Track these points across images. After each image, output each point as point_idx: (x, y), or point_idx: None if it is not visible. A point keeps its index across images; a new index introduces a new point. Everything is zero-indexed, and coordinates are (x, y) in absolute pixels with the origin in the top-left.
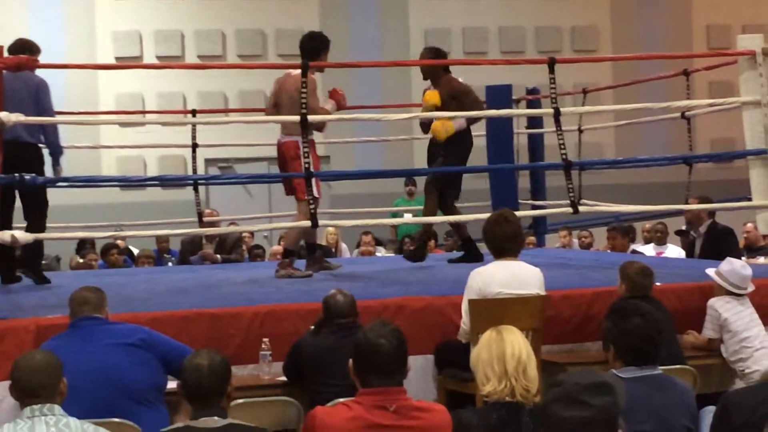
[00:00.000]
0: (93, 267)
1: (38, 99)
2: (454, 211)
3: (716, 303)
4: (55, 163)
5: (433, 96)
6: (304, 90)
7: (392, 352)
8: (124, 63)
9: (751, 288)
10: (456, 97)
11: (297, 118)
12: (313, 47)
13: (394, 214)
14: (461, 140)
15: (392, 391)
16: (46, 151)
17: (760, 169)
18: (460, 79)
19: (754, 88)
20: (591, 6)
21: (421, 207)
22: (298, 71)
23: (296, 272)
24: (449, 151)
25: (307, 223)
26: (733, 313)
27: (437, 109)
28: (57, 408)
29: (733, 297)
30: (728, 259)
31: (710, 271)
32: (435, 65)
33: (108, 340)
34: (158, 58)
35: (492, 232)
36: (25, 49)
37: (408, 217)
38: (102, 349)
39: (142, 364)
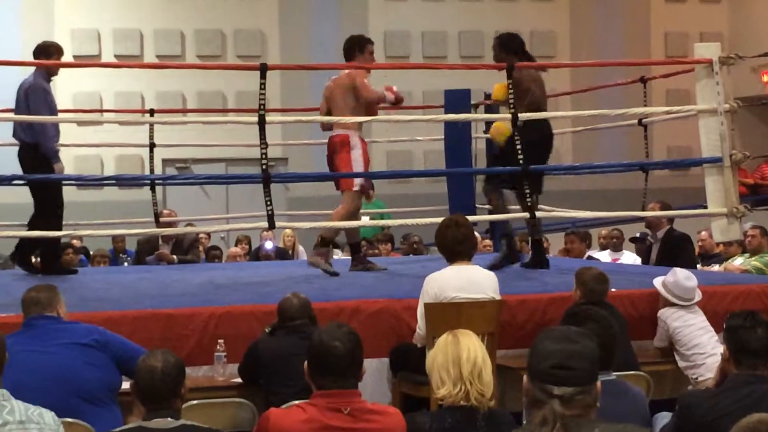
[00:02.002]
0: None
1: (27, 101)
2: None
3: (664, 313)
4: (53, 162)
5: (497, 90)
6: (263, 92)
7: (346, 355)
8: (82, 61)
9: (697, 298)
10: (524, 89)
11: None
12: (346, 50)
13: None
14: (529, 133)
15: (347, 394)
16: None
17: (716, 177)
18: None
19: (711, 96)
20: (550, 11)
21: (379, 210)
22: (347, 72)
23: (328, 266)
24: (523, 147)
25: (265, 224)
26: (681, 323)
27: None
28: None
29: (682, 306)
30: (673, 270)
31: (657, 282)
32: (503, 53)
33: (62, 339)
34: (117, 57)
35: (443, 236)
36: (41, 52)
37: (365, 220)
38: (55, 349)
39: (95, 364)
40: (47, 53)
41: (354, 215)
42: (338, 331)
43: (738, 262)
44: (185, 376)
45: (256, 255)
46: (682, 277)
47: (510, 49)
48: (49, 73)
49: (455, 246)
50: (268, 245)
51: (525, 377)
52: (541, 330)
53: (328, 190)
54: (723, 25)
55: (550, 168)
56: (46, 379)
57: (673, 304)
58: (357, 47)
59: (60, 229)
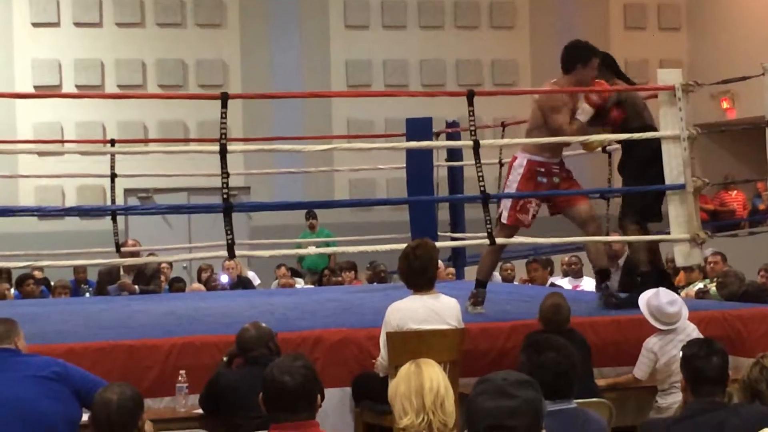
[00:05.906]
0: (8, 297)
1: None
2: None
3: (651, 342)
4: None
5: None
6: (224, 122)
7: (297, 389)
8: (42, 92)
9: (683, 316)
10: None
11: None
12: (565, 59)
13: (299, 246)
14: (632, 150)
15: (303, 426)
16: None
17: (678, 203)
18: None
19: (674, 122)
20: (511, 40)
21: (324, 239)
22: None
23: (473, 307)
24: (625, 167)
25: (225, 253)
26: (670, 349)
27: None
28: None
29: (666, 332)
30: (657, 291)
31: (642, 303)
32: (601, 71)
33: (20, 372)
34: (78, 86)
35: (404, 266)
36: None
37: (311, 249)
38: (14, 382)
39: (55, 397)
40: None
41: (498, 250)
42: (291, 364)
43: (699, 287)
44: (143, 409)
45: (212, 286)
46: (665, 302)
47: (609, 67)
48: None
49: (416, 277)
50: (224, 279)
51: None
52: (478, 381)
53: (290, 219)
54: (682, 52)
55: (512, 195)
56: (4, 412)
57: (656, 330)
58: (580, 60)
59: None
